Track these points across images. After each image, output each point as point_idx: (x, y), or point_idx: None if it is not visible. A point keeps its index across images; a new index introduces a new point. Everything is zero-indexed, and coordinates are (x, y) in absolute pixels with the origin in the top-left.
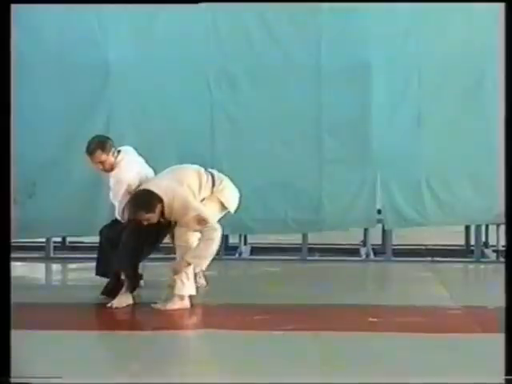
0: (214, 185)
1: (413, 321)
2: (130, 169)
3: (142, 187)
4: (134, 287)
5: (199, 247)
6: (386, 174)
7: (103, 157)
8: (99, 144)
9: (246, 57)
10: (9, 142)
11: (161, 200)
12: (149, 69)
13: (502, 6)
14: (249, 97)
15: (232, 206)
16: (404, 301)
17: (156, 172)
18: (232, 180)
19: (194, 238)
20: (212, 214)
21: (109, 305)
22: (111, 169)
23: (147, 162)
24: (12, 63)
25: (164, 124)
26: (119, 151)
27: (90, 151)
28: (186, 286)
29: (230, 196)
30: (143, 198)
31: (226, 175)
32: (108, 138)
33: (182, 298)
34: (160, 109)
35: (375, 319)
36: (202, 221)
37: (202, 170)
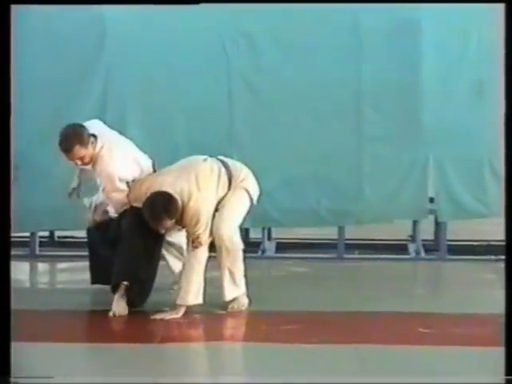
0: (230, 177)
1: (472, 332)
2: (115, 157)
3: (154, 186)
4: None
5: (185, 277)
6: (439, 155)
7: (82, 151)
8: (76, 137)
9: (269, 14)
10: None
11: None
12: (152, 31)
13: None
14: (272, 62)
15: (256, 195)
16: (461, 308)
17: (159, 157)
18: (254, 162)
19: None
20: (241, 213)
21: (110, 314)
22: (91, 161)
23: (152, 144)
24: None
25: (171, 97)
26: (94, 136)
27: (67, 148)
28: (191, 294)
29: (254, 184)
30: (164, 203)
31: (246, 156)
32: (82, 126)
33: (182, 307)
34: (166, 79)
35: (426, 330)
36: (197, 239)
37: (216, 165)
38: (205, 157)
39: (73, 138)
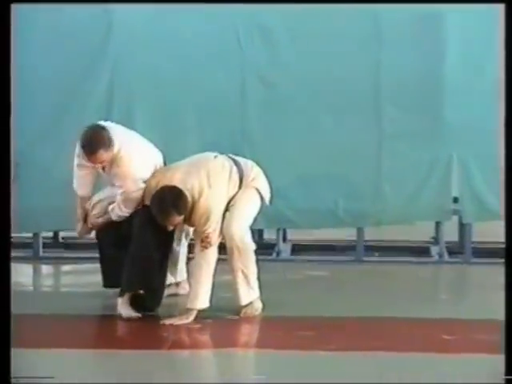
0: (241, 176)
1: (498, 339)
2: (134, 157)
3: (163, 181)
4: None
5: (195, 280)
6: (463, 153)
7: (105, 155)
8: (101, 141)
9: (285, 6)
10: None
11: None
12: (161, 23)
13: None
14: (288, 56)
15: (268, 195)
16: (487, 314)
17: (169, 154)
18: (267, 160)
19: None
20: (252, 213)
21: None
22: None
23: (161, 141)
24: None
25: (182, 92)
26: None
27: (91, 152)
28: (201, 298)
29: (265, 184)
30: (174, 198)
31: (259, 154)
32: (104, 128)
33: (193, 312)
34: (176, 73)
35: (450, 337)
36: (206, 239)
37: (227, 162)
38: (215, 154)
39: (97, 142)
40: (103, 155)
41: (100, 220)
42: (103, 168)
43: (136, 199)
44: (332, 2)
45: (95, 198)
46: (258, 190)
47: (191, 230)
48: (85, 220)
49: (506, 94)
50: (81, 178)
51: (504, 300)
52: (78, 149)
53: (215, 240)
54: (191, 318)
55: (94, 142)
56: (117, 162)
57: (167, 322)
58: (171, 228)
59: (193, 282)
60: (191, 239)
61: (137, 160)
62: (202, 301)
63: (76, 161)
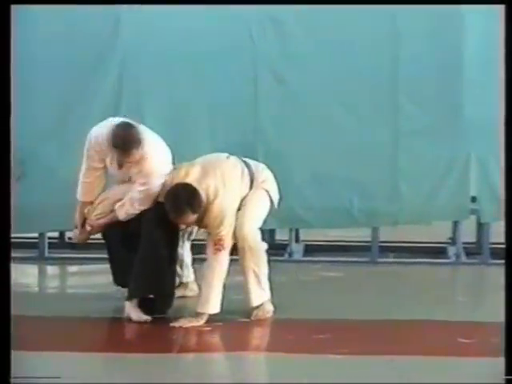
0: (252, 178)
1: None
2: (158, 154)
3: (178, 179)
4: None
5: (206, 283)
6: (482, 150)
7: (136, 155)
8: (135, 141)
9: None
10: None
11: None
12: (171, 16)
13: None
14: (302, 50)
15: (276, 198)
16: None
17: (178, 151)
18: (280, 157)
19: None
20: (263, 215)
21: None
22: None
23: (171, 137)
24: None
25: (192, 87)
26: None
27: (125, 150)
28: (212, 302)
29: (275, 186)
30: (188, 196)
31: (272, 151)
32: (134, 127)
33: (204, 315)
34: (186, 67)
35: (467, 340)
36: (219, 241)
37: (239, 163)
38: (227, 154)
39: (131, 141)
40: (135, 155)
41: (102, 221)
42: (120, 166)
43: (154, 196)
44: (346, 2)
45: (98, 198)
46: (267, 192)
47: (195, 230)
48: (82, 225)
49: (506, 94)
50: (87, 184)
51: (504, 301)
52: (88, 152)
53: (228, 243)
54: (202, 321)
55: (128, 141)
56: (142, 159)
57: (177, 324)
58: (183, 226)
59: (204, 286)
60: (193, 240)
61: (160, 156)
62: (213, 305)
63: (85, 165)
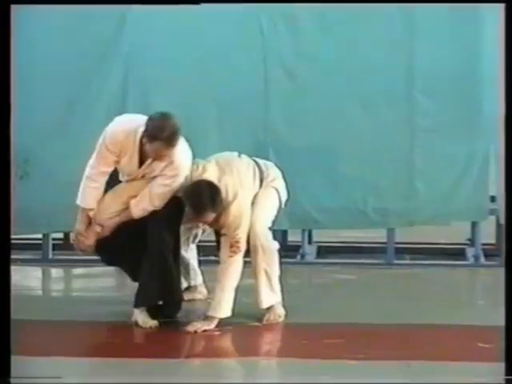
0: (262, 177)
1: None
2: (186, 150)
3: (195, 176)
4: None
5: (220, 287)
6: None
7: (177, 145)
8: (179, 134)
9: None
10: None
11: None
12: (178, 9)
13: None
14: (314, 44)
15: (285, 197)
16: None
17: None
18: (292, 155)
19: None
20: (273, 213)
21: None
22: None
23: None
24: None
25: (200, 83)
26: None
27: (172, 143)
28: (225, 306)
29: (283, 185)
30: (211, 193)
31: (283, 149)
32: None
33: (215, 319)
34: (194, 62)
35: (486, 345)
36: (236, 244)
37: (250, 162)
38: (237, 153)
39: (178, 131)
40: (176, 145)
41: (116, 220)
42: (141, 163)
43: (174, 192)
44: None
45: (109, 197)
46: (277, 190)
47: (200, 232)
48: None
49: (505, 94)
50: (94, 190)
51: (504, 302)
52: (102, 154)
53: (244, 245)
54: (213, 325)
55: (175, 131)
56: (176, 151)
57: (189, 329)
58: (200, 225)
59: (217, 289)
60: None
61: (187, 151)
62: (225, 309)
63: (94, 169)
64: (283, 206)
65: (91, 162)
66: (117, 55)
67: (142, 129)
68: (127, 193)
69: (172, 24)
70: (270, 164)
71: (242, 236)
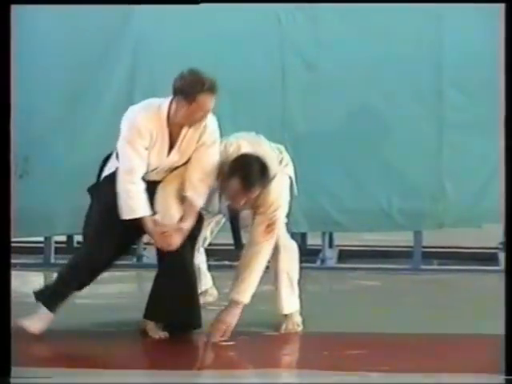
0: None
1: None
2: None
3: (231, 153)
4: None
5: (249, 270)
6: None
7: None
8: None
9: None
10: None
11: None
12: None
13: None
14: (334, 35)
15: (294, 186)
16: None
17: None
18: (311, 152)
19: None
20: (288, 203)
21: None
22: None
23: None
24: None
25: (213, 74)
26: None
27: (217, 89)
28: (249, 294)
29: (293, 172)
30: (261, 167)
31: (302, 146)
32: None
33: (239, 306)
34: (206, 54)
35: None
36: (273, 224)
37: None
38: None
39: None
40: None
41: (191, 220)
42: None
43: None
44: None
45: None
46: (290, 178)
47: (209, 234)
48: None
49: (505, 94)
50: (138, 193)
51: (504, 303)
52: (134, 146)
53: (279, 228)
54: (238, 311)
55: (216, 83)
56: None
57: (212, 338)
58: (237, 205)
59: (245, 272)
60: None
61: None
62: (249, 296)
63: (129, 172)
64: (295, 193)
65: (121, 166)
66: (123, 49)
67: (165, 106)
68: (173, 187)
69: (182, 14)
70: (282, 147)
71: (280, 218)
